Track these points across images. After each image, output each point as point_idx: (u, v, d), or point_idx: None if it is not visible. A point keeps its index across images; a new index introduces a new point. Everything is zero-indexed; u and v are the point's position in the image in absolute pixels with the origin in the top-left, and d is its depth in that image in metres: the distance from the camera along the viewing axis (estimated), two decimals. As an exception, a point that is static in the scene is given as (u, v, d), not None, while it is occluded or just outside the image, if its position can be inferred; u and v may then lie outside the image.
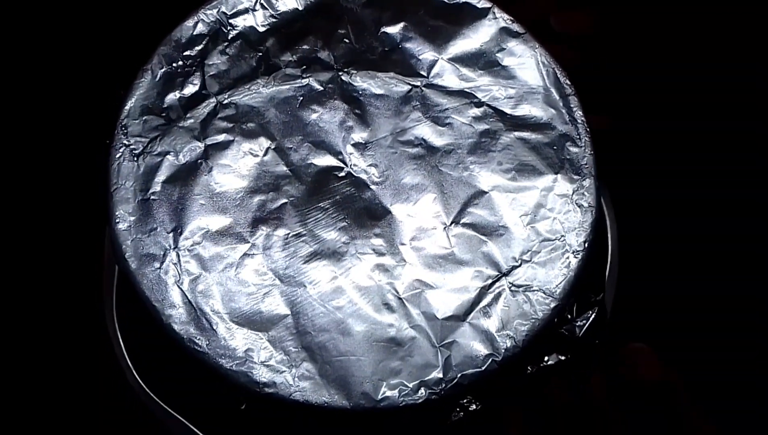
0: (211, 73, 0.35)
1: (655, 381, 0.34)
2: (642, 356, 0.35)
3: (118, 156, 0.34)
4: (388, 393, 0.32)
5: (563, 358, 0.33)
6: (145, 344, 0.36)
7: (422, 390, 0.32)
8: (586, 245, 0.34)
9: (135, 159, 0.34)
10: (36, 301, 0.40)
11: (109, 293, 0.37)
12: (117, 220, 0.33)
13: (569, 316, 0.34)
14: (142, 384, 0.35)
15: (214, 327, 0.32)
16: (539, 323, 0.33)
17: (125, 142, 0.34)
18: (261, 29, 0.36)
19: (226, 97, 0.35)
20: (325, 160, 0.35)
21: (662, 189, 0.44)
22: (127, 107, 0.34)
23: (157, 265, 0.33)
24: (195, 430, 0.35)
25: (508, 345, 0.32)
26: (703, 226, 0.43)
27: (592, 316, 0.34)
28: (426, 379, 0.32)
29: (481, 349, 0.32)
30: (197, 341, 0.32)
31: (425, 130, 0.36)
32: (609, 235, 0.39)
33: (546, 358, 0.33)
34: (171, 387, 0.35)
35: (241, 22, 0.36)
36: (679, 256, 0.43)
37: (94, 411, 0.38)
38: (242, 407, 0.33)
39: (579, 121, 0.35)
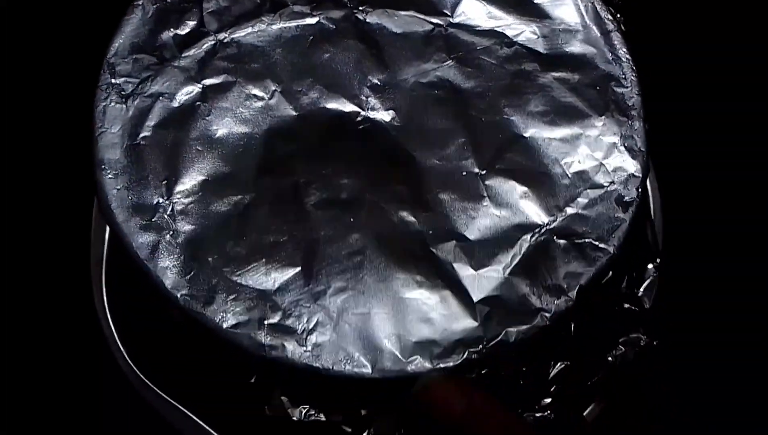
0: (210, 10, 0.31)
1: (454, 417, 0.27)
2: (436, 391, 0.28)
3: (104, 97, 0.30)
4: (418, 354, 0.27)
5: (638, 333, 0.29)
6: (138, 321, 0.31)
7: (459, 350, 0.27)
8: (639, 192, 0.30)
9: (123, 101, 0.30)
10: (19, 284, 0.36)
11: (98, 265, 0.32)
12: (103, 168, 0.29)
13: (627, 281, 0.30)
14: (137, 371, 0.31)
15: (213, 284, 0.27)
16: (592, 275, 0.28)
17: (112, 81, 0.30)
18: None
19: (227, 35, 0.31)
20: (339, 104, 0.31)
21: (704, 170, 0.40)
22: (115, 45, 0.30)
23: (148, 217, 0.28)
24: (196, 419, 0.30)
25: (560, 299, 0.28)
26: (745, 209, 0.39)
27: (655, 283, 0.30)
28: (463, 337, 0.27)
29: (527, 303, 0.28)
30: (192, 301, 0.27)
31: (450, 72, 0.32)
32: (652, 208, 0.35)
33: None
34: (168, 372, 0.30)
35: None
36: (721, 237, 0.39)
37: (86, 402, 0.34)
38: (252, 380, 0.28)
39: (623, 59, 0.32)
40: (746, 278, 0.38)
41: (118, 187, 0.28)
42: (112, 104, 0.30)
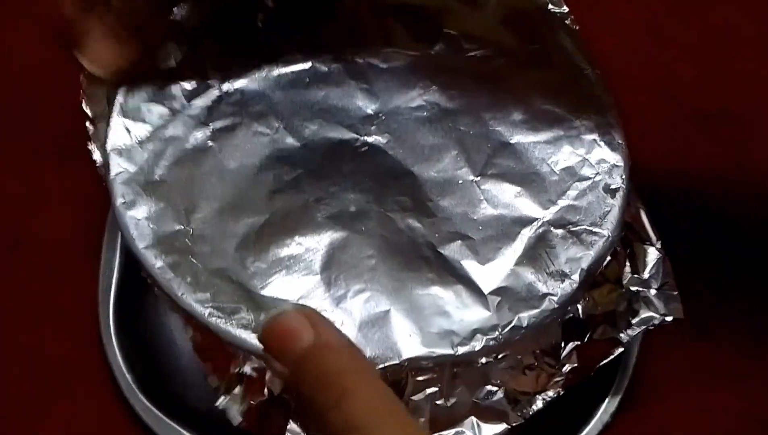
0: (213, 66, 0.34)
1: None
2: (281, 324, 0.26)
3: (119, 139, 0.32)
4: (439, 343, 0.28)
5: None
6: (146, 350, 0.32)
7: (477, 337, 0.28)
8: (623, 179, 0.32)
9: (139, 144, 0.32)
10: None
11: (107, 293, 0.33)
12: (122, 202, 0.30)
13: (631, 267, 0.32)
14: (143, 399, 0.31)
15: (237, 299, 0.29)
16: (592, 258, 0.30)
17: (126, 126, 0.32)
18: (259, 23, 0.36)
19: (231, 85, 0.34)
20: (338, 133, 0.33)
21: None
22: (127, 96, 0.33)
23: (169, 241, 0.30)
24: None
25: (564, 283, 0.30)
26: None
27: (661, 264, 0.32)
28: (480, 326, 0.29)
29: (534, 289, 0.30)
30: (217, 316, 0.28)
31: (436, 96, 0.34)
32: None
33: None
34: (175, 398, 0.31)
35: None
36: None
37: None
38: (278, 394, 0.29)
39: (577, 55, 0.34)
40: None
41: (138, 218, 0.30)
42: (129, 147, 0.32)
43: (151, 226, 0.30)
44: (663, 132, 0.43)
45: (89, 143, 0.33)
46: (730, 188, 0.41)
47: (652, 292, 0.32)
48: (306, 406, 0.24)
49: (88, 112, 0.34)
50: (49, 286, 0.37)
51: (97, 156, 0.33)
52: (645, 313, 0.31)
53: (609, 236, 0.31)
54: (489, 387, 0.29)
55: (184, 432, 0.35)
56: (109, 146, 0.32)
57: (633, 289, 0.32)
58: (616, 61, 0.39)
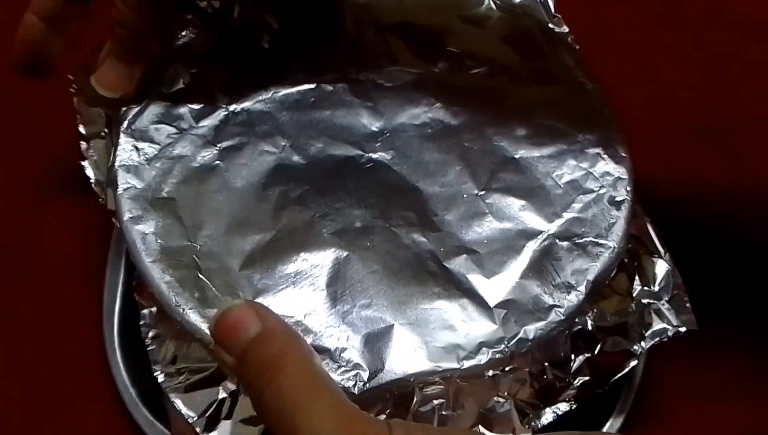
0: (220, 87, 0.35)
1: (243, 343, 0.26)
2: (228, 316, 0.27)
3: (127, 156, 0.32)
4: (445, 357, 0.28)
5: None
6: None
7: (483, 350, 0.28)
8: (628, 191, 0.32)
9: (147, 162, 0.32)
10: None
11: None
12: (130, 217, 0.31)
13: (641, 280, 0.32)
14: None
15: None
16: (598, 270, 0.30)
17: (136, 145, 0.33)
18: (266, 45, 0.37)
19: (237, 106, 0.35)
20: (344, 150, 0.34)
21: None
22: (134, 118, 0.33)
23: (176, 257, 0.30)
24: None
25: (570, 295, 0.30)
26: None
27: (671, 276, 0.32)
28: (486, 340, 0.29)
29: (540, 301, 0.30)
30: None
31: (440, 113, 0.35)
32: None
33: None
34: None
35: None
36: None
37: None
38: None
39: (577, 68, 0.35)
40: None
41: (146, 233, 0.31)
42: (136, 164, 0.32)
43: (159, 241, 0.30)
44: (661, 146, 0.43)
45: (84, 161, 0.34)
46: (726, 201, 0.42)
47: (664, 304, 0.32)
48: (248, 392, 0.25)
49: (83, 130, 0.34)
50: (54, 300, 0.38)
51: (90, 172, 0.33)
52: (658, 325, 0.31)
53: (615, 247, 0.31)
54: (497, 398, 0.29)
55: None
56: (117, 163, 0.32)
57: (644, 301, 0.32)
58: (615, 78, 0.39)
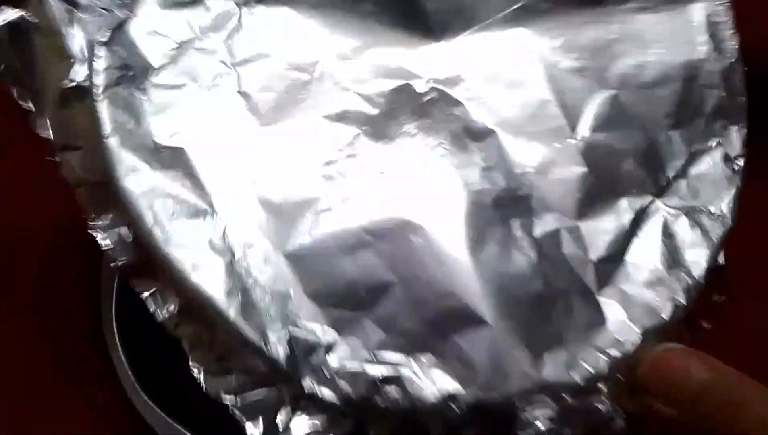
0: None
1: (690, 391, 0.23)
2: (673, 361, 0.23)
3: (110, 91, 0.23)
4: (549, 367, 0.23)
5: None
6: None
7: (595, 356, 0.23)
8: (744, 147, 0.27)
9: (144, 93, 0.24)
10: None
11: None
12: (128, 173, 0.22)
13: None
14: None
15: (290, 314, 0.22)
16: (714, 251, 0.25)
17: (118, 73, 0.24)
18: None
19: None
20: (397, 73, 0.26)
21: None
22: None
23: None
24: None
25: (689, 283, 0.24)
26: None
27: None
28: (596, 342, 0.23)
29: (656, 293, 0.24)
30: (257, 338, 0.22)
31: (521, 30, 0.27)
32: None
33: None
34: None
35: None
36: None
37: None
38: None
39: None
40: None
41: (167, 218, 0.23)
42: (125, 100, 0.24)
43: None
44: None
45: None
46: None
47: None
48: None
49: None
50: (52, 285, 0.35)
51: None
52: None
53: (732, 227, 0.25)
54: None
55: (187, 433, 0.30)
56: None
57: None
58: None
